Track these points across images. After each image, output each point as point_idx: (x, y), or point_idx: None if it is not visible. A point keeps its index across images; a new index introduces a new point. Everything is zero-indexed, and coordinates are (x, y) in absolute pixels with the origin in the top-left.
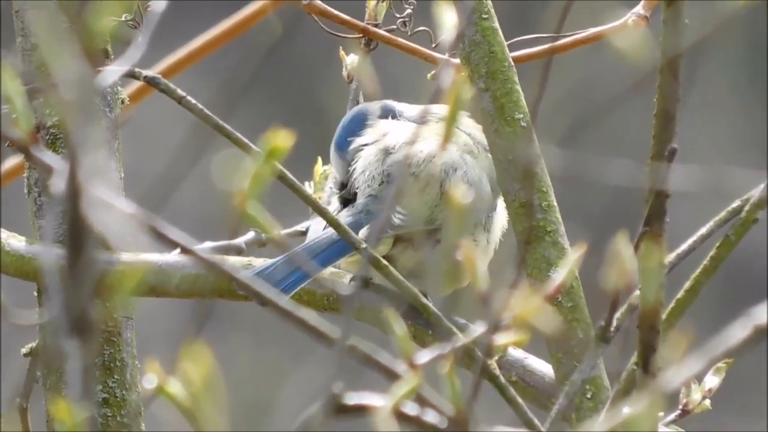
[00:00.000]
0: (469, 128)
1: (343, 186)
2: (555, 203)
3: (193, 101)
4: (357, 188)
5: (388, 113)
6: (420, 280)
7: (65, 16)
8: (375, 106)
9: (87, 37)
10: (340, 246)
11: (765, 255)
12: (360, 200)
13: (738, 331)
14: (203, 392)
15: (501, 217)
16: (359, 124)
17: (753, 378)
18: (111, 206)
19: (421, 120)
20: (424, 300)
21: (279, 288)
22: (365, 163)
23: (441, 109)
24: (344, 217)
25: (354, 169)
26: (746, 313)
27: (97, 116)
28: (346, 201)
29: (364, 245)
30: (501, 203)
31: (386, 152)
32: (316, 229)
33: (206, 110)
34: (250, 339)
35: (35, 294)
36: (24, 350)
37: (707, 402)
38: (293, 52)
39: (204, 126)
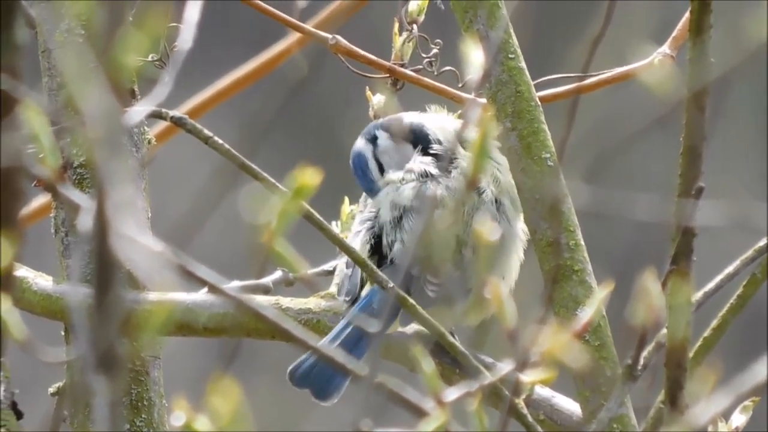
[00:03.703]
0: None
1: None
2: (582, 242)
3: (220, 141)
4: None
5: (417, 140)
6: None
7: (93, 55)
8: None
9: (114, 75)
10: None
11: None
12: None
13: (764, 369)
14: (231, 428)
15: (520, 235)
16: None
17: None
18: (139, 244)
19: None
20: (451, 338)
21: (354, 355)
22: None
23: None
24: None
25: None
26: None
27: (125, 154)
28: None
29: (390, 284)
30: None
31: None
32: (342, 267)
33: (233, 150)
34: (272, 378)
35: (62, 333)
36: (51, 389)
37: None
38: (317, 91)
39: (227, 166)
